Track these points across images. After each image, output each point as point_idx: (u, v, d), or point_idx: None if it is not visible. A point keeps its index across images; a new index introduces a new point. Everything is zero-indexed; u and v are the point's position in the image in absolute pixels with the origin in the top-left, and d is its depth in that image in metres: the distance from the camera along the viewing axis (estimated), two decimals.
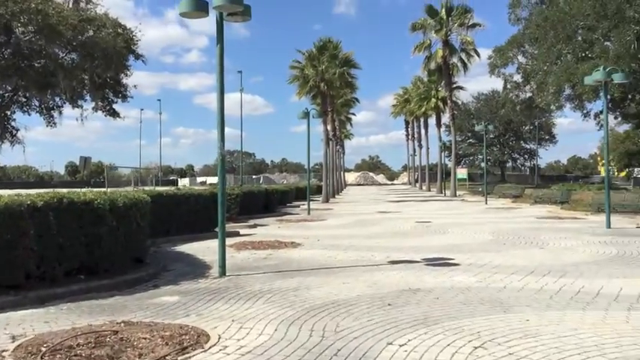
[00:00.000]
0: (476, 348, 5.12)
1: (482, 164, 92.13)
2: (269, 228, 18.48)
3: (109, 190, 14.59)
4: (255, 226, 18.83)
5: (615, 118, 48.94)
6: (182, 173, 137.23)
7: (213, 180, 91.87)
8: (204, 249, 12.46)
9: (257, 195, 24.11)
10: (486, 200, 33.48)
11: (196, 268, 9.97)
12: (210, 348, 5.20)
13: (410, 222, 20.22)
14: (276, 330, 5.80)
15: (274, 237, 15.08)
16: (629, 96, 46.38)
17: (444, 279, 8.70)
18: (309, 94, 40.03)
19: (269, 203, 25.70)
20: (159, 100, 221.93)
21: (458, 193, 47.47)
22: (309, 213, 25.23)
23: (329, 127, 45.13)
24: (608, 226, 16.64)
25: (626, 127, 56.66)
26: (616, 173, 67.84)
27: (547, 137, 78.85)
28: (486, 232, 16.17)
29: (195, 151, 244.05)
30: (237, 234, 15.88)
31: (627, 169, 47.37)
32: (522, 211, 25.43)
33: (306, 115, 25.85)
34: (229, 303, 7.13)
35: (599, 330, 5.69)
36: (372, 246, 13.15)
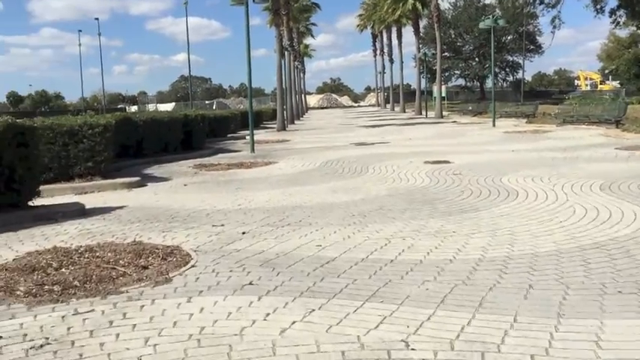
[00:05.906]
0: None
1: (460, 81, 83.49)
2: (163, 188, 9.89)
3: None
4: (139, 184, 10.19)
5: (632, 17, 40.89)
6: (134, 101, 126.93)
7: (167, 107, 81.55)
8: None
9: (166, 125, 15.10)
10: (494, 122, 25.22)
11: None
12: None
13: (416, 163, 11.91)
14: None
15: (145, 221, 6.61)
16: None
17: None
18: None
19: (192, 137, 16.91)
20: (96, 18, 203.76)
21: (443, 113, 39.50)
22: (252, 150, 16.66)
23: (284, 35, 35.88)
24: None
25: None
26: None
27: (532, 47, 70.19)
28: (589, 184, 7.99)
29: (152, 79, 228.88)
30: (54, 217, 7.30)
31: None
32: (567, 136, 17.35)
33: None
34: None
35: None
36: (372, 259, 4.80)
